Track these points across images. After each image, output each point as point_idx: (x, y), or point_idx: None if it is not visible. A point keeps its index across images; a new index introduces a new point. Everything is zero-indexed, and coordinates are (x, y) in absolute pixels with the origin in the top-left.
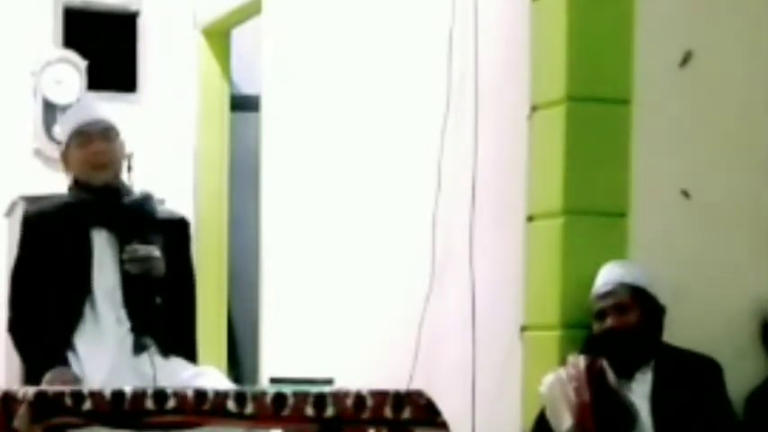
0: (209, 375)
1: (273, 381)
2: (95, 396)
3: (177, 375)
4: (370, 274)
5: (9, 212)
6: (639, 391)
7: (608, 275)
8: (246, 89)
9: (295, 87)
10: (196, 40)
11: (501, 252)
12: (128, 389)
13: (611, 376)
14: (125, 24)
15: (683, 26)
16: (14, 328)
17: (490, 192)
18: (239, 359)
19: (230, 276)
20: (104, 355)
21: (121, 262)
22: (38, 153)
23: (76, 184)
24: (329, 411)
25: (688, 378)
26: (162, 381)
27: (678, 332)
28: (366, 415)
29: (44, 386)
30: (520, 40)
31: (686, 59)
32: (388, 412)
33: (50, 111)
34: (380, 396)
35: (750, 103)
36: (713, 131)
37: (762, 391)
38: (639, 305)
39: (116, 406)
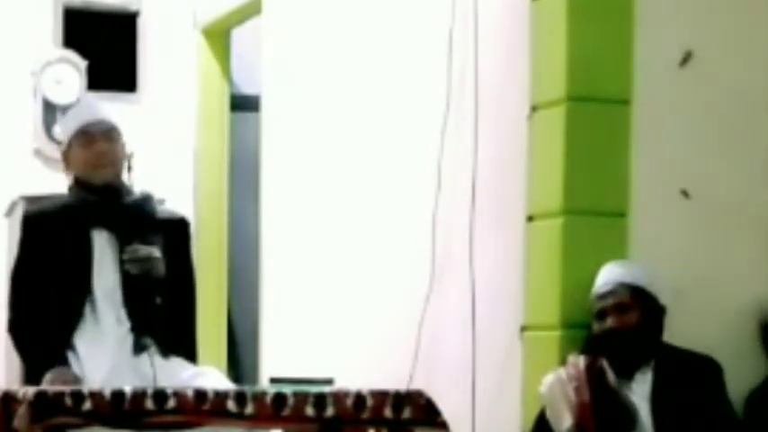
0: (209, 375)
1: (273, 381)
2: (95, 396)
3: (177, 375)
4: (370, 274)
5: (9, 212)
6: (639, 391)
7: (608, 275)
8: (246, 89)
9: (295, 87)
10: (196, 40)
11: (501, 252)
12: (128, 389)
13: (611, 376)
14: (125, 24)
15: (683, 26)
16: (14, 328)
17: (490, 192)
18: (239, 359)
19: (230, 276)
20: (104, 356)
21: (122, 262)
22: (38, 153)
23: (77, 184)
24: (329, 411)
25: (688, 378)
26: (162, 381)
27: (678, 332)
28: (366, 415)
29: (44, 386)
30: (520, 40)
31: (686, 59)
32: (388, 412)
33: (50, 111)
34: (380, 396)
35: (750, 102)
36: (713, 131)
37: (762, 391)
38: (639, 305)
39: (116, 406)
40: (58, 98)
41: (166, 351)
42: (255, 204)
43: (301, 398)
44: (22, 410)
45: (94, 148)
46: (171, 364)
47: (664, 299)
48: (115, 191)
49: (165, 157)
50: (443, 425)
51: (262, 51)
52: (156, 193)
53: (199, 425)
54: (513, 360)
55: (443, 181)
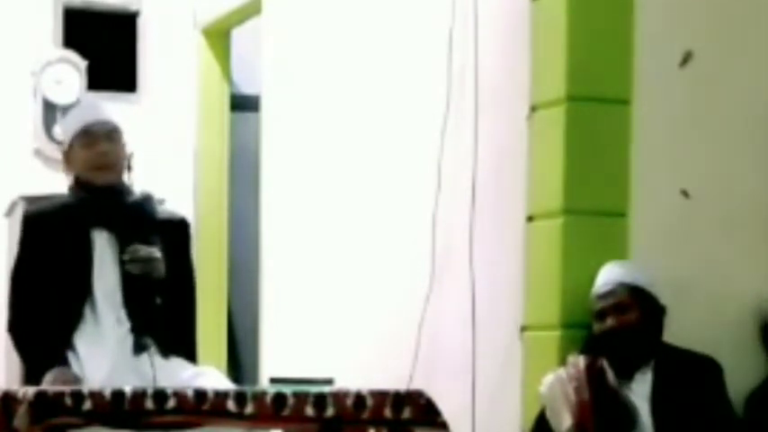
0: (209, 375)
1: (273, 381)
2: (95, 396)
3: (177, 375)
4: (370, 273)
5: (9, 212)
6: (639, 391)
7: (608, 275)
8: (246, 89)
9: (295, 87)
10: (196, 40)
11: (501, 252)
12: (128, 389)
13: (611, 376)
14: (125, 24)
15: (683, 26)
16: (14, 328)
17: (490, 192)
18: (239, 359)
19: (230, 276)
20: (104, 356)
21: (122, 262)
22: (38, 153)
23: (77, 184)
24: (329, 411)
25: (688, 378)
26: (162, 381)
27: (678, 332)
28: (366, 415)
29: (44, 386)
30: (520, 40)
31: (686, 59)
32: (388, 412)
33: (50, 111)
34: (380, 396)
35: (750, 103)
36: (713, 131)
37: (761, 392)
38: (639, 305)
39: (116, 406)
40: (58, 98)
41: (166, 351)
42: (255, 204)
43: (301, 398)
44: (22, 410)
45: (96, 149)
46: (171, 364)
47: (664, 299)
48: (116, 191)
49: (165, 157)
50: (443, 425)
51: (262, 51)
52: (156, 193)
53: (199, 425)
54: (513, 360)
55: (443, 181)
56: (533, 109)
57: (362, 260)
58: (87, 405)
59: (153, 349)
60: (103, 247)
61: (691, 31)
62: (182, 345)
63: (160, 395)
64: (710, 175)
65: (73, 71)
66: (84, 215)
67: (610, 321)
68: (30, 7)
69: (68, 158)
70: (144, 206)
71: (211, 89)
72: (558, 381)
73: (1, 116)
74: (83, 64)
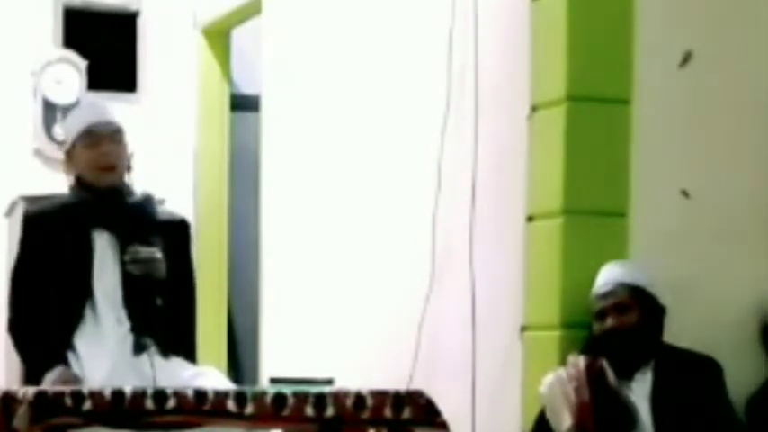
0: (209, 375)
1: (273, 381)
2: (95, 396)
3: (177, 375)
4: (370, 273)
5: (9, 212)
6: (639, 391)
7: (608, 275)
8: (246, 89)
9: (295, 87)
10: (196, 40)
11: (501, 252)
12: (128, 389)
13: (611, 376)
14: (125, 24)
15: (683, 26)
16: (14, 328)
17: (490, 192)
18: (239, 359)
19: (230, 276)
20: (104, 356)
21: (122, 263)
22: (38, 153)
23: (79, 185)
24: (329, 411)
25: (688, 378)
26: (162, 381)
27: (678, 332)
28: (366, 415)
29: (44, 386)
30: (520, 40)
31: (686, 59)
32: (388, 412)
33: (50, 111)
34: (380, 396)
35: (750, 103)
36: (713, 131)
37: (762, 394)
38: (639, 305)
39: (116, 406)
40: (58, 98)
41: (166, 351)
42: (255, 204)
43: (301, 398)
44: (22, 410)
45: (100, 149)
46: (171, 364)
47: (664, 299)
48: (117, 192)
49: (165, 157)
50: (443, 425)
51: (262, 51)
52: (156, 193)
53: (199, 425)
54: (513, 360)
55: (443, 181)
56: (533, 109)
57: (362, 260)
58: (87, 405)
59: (153, 349)
60: (104, 248)
61: (691, 31)
62: (182, 345)
63: (160, 395)
64: (710, 175)
65: (73, 71)
66: (85, 215)
67: (610, 321)
68: (30, 7)
69: (70, 158)
70: (144, 207)
71: (211, 89)
72: (558, 381)
73: (1, 116)
74: (83, 64)
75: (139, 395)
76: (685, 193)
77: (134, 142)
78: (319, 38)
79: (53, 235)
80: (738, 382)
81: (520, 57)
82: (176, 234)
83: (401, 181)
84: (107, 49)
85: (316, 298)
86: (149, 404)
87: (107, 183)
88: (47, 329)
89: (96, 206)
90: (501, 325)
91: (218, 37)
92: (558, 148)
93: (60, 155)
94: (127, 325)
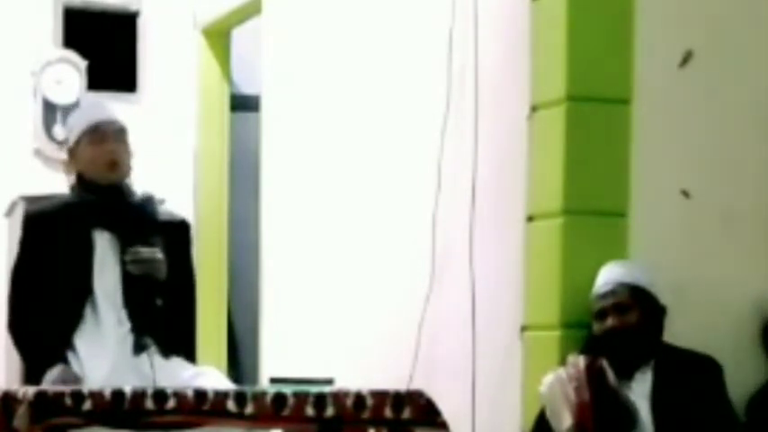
0: (209, 375)
1: (273, 381)
2: (95, 396)
3: (177, 375)
4: (370, 273)
5: (9, 212)
6: (639, 391)
7: (608, 275)
8: (246, 89)
9: (295, 87)
10: (196, 40)
11: (501, 252)
12: (128, 389)
13: (611, 376)
14: (125, 24)
15: (683, 26)
16: (14, 327)
17: (490, 192)
18: (239, 359)
19: (230, 276)
20: (105, 356)
21: (123, 263)
22: (38, 153)
23: (80, 183)
24: (329, 411)
25: (688, 378)
26: (162, 381)
27: (678, 332)
28: (366, 415)
29: (44, 386)
30: (520, 40)
31: (686, 59)
32: (388, 412)
33: (50, 111)
34: (380, 396)
35: (750, 103)
36: (713, 131)
37: (762, 394)
38: (639, 305)
39: (116, 406)
40: (58, 98)
41: (166, 351)
42: (255, 204)
43: (301, 398)
44: (22, 410)
45: (105, 147)
46: (171, 364)
47: (664, 299)
48: (118, 191)
49: (165, 157)
50: (443, 425)
51: (262, 51)
52: (156, 193)
53: (199, 425)
54: (513, 360)
55: (443, 181)
56: (533, 109)
57: (362, 260)
58: (87, 405)
59: (153, 349)
60: (104, 248)
61: (691, 31)
62: (182, 345)
63: (160, 395)
64: (710, 175)
65: (73, 71)
66: (86, 215)
67: (610, 321)
68: (30, 7)
69: (73, 156)
70: (145, 207)
71: (211, 89)
72: (558, 381)
73: (1, 116)
74: (83, 64)
75: (139, 395)
76: (685, 193)
77: (134, 142)
78: (319, 38)
79: (54, 234)
80: (738, 383)
81: (520, 57)
82: (177, 234)
83: (401, 181)
84: (107, 49)
85: (316, 298)
86: (149, 404)
87: (110, 180)
88: (47, 328)
89: (97, 206)
90: (501, 325)
91: (218, 37)
92: (558, 148)
93: (61, 155)
94: (127, 325)
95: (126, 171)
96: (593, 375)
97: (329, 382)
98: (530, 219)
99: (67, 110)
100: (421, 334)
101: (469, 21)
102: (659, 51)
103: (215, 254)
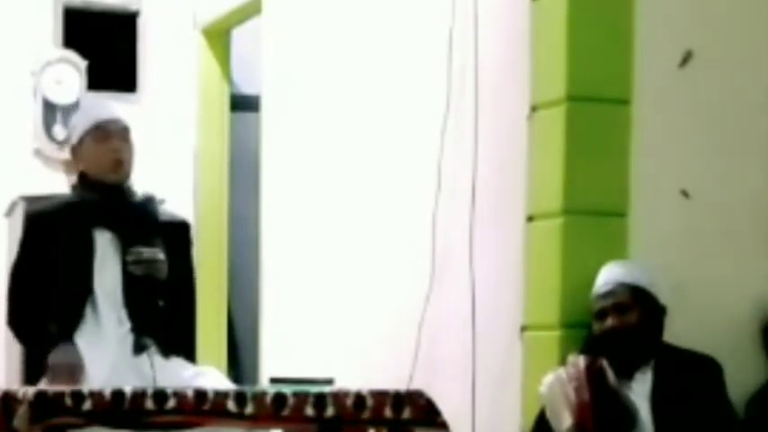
0: (210, 375)
1: (273, 381)
2: (95, 396)
3: (178, 375)
4: (370, 273)
5: (9, 212)
6: (639, 391)
7: (608, 275)
8: (246, 89)
9: (295, 87)
10: (196, 40)
11: (501, 252)
12: (128, 389)
13: (611, 376)
14: (125, 24)
15: (683, 26)
16: (15, 318)
17: (490, 192)
18: (239, 359)
19: (230, 276)
20: (105, 355)
21: (124, 263)
22: (38, 153)
23: (83, 182)
24: (329, 411)
25: (688, 378)
26: (162, 381)
27: (678, 332)
28: (366, 415)
29: (49, 362)
30: (520, 40)
31: (686, 59)
32: (388, 412)
33: (50, 111)
34: (380, 396)
35: (750, 102)
36: (713, 131)
37: (762, 395)
38: (640, 305)
39: (116, 406)
40: (58, 98)
41: (167, 351)
42: (255, 204)
43: (301, 398)
44: (22, 410)
45: (110, 144)
46: (171, 364)
47: (664, 299)
48: (120, 191)
49: (165, 157)
50: (443, 425)
51: (262, 51)
52: (156, 193)
53: (199, 425)
54: (513, 360)
55: (443, 181)
56: (533, 109)
57: (362, 260)
58: (87, 405)
59: (153, 349)
60: (105, 247)
61: (691, 31)
62: (181, 345)
63: (160, 395)
64: (710, 175)
65: (73, 71)
66: (87, 215)
67: (610, 321)
68: (30, 7)
69: (76, 154)
70: (147, 207)
71: (211, 89)
72: (558, 381)
73: (1, 116)
74: (83, 64)
75: (139, 395)
76: (685, 193)
77: (134, 142)
78: (319, 38)
79: (54, 234)
80: (738, 382)
81: (520, 57)
82: (177, 235)
83: (401, 181)
84: (107, 49)
85: (316, 298)
86: (149, 404)
87: (114, 179)
88: (47, 316)
89: (98, 205)
90: (501, 325)
91: (218, 37)
92: (558, 148)
93: (60, 155)
94: (127, 325)
95: (129, 171)
96: (593, 375)
97: (329, 382)
98: (530, 219)
99: (67, 110)
100: (421, 334)
101: (469, 21)
102: (659, 51)
103: (215, 253)
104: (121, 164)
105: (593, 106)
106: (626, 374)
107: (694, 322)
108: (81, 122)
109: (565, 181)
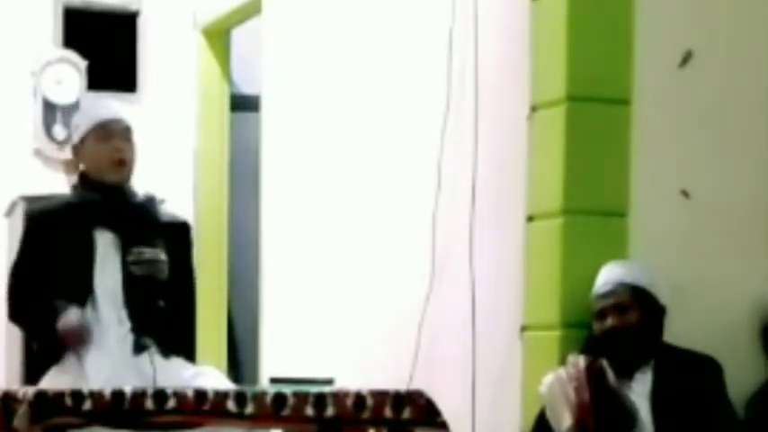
0: (210, 375)
1: (273, 381)
2: (95, 396)
3: (178, 375)
4: (370, 273)
5: (9, 212)
6: (639, 391)
7: (608, 275)
8: (246, 89)
9: (295, 87)
10: (196, 40)
11: (501, 252)
12: (128, 389)
13: (611, 376)
14: (125, 24)
15: (683, 26)
16: (16, 308)
17: (490, 192)
18: (239, 359)
19: (230, 276)
20: (105, 355)
21: (124, 263)
22: (38, 153)
23: (84, 182)
24: (329, 411)
25: (688, 378)
26: (162, 381)
27: (678, 332)
28: (366, 415)
29: (60, 327)
30: (520, 40)
31: (686, 59)
32: (388, 412)
33: (50, 111)
34: (380, 396)
35: (750, 102)
36: (713, 131)
37: (762, 395)
38: (640, 305)
39: (116, 406)
40: (58, 98)
41: (167, 351)
42: (255, 204)
43: (301, 398)
44: (22, 410)
45: (113, 144)
46: (171, 364)
47: (664, 299)
48: (121, 191)
49: (165, 157)
50: (443, 425)
51: (262, 51)
52: (157, 193)
53: (199, 425)
54: (513, 360)
55: (443, 181)
56: (533, 109)
57: (362, 260)
58: (87, 405)
59: (153, 349)
60: (106, 248)
61: (691, 31)
62: (181, 345)
63: (160, 395)
64: (710, 175)
65: (73, 71)
66: (88, 214)
67: (610, 321)
68: (30, 7)
69: (78, 153)
70: (148, 208)
71: (211, 89)
72: (558, 381)
73: (1, 116)
74: (83, 64)
75: (139, 395)
76: (685, 193)
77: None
78: (319, 38)
79: (55, 233)
80: (738, 382)
81: (520, 57)
82: (178, 236)
83: (401, 181)
84: (107, 49)
85: (316, 298)
86: (149, 404)
87: (116, 179)
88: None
89: (99, 205)
90: (501, 325)
91: (218, 37)
92: (558, 148)
93: (61, 155)
94: (127, 325)
95: (131, 171)
96: (593, 375)
97: (329, 382)
98: (530, 219)
99: (67, 110)
100: (421, 334)
101: (469, 21)
102: (659, 51)
103: (215, 254)
104: (123, 164)
105: (593, 106)
106: (626, 374)
107: (694, 322)
108: (83, 122)
109: (565, 181)
